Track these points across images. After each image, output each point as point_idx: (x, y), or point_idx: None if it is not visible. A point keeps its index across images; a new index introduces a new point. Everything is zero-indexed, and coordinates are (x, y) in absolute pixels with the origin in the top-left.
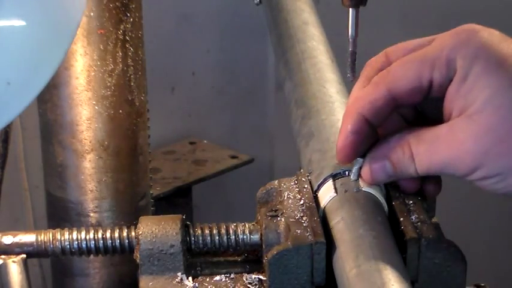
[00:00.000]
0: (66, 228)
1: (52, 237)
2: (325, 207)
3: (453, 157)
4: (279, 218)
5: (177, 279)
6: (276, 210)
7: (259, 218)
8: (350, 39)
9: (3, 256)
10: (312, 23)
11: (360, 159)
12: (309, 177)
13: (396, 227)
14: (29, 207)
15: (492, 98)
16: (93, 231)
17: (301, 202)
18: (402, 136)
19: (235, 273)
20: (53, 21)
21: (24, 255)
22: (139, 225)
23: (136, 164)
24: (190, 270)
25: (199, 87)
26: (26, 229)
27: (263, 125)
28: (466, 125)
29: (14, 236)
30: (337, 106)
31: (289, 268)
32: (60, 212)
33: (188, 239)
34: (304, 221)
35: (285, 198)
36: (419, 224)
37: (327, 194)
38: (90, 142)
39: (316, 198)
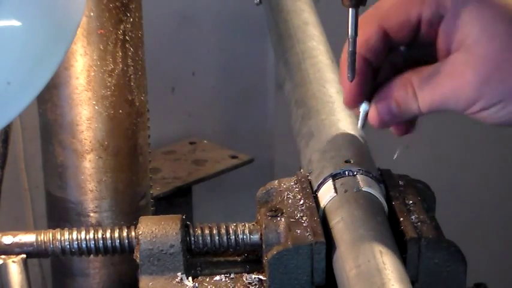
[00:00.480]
0: (66, 228)
1: (52, 237)
2: (325, 207)
3: (454, 89)
4: (279, 218)
5: (177, 279)
6: (276, 210)
7: (259, 218)
8: (350, 39)
9: (3, 256)
10: (312, 23)
11: (364, 105)
12: (309, 177)
13: (396, 227)
14: (29, 207)
15: (486, 28)
16: (93, 231)
17: (301, 202)
18: (404, 76)
19: (235, 273)
20: (53, 21)
21: (24, 255)
22: (139, 225)
23: (136, 164)
24: (190, 270)
25: (199, 87)
26: (26, 229)
27: (263, 125)
28: (465, 57)
29: (14, 236)
30: (337, 106)
31: (289, 268)
32: (60, 212)
33: (188, 239)
34: (304, 221)
35: (285, 198)
36: (419, 224)
37: (327, 194)
38: (90, 142)
39: (316, 198)
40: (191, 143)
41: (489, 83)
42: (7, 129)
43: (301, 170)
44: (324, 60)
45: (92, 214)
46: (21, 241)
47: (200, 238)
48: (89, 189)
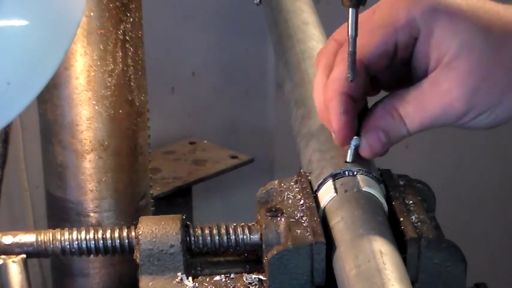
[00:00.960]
0: (66, 228)
1: (52, 237)
2: (325, 207)
3: (444, 107)
4: (279, 218)
5: (177, 279)
6: (276, 210)
7: (259, 218)
8: (350, 39)
9: (3, 256)
10: (312, 23)
11: (354, 140)
12: (309, 177)
13: (396, 227)
14: (29, 207)
15: (464, 43)
16: (93, 231)
17: (301, 202)
18: (386, 103)
19: (235, 273)
20: (53, 21)
21: (24, 255)
22: (139, 225)
23: (136, 164)
24: (190, 270)
25: (199, 87)
26: (26, 229)
27: (263, 125)
28: (447, 74)
29: (14, 236)
30: None
31: (289, 268)
32: (60, 212)
33: (188, 239)
34: (304, 221)
35: (285, 198)
36: (419, 224)
37: (327, 194)
38: (90, 142)
39: (316, 198)
40: (191, 143)
41: (477, 95)
42: (7, 129)
43: (301, 170)
44: None
45: (92, 214)
46: (21, 241)
47: (200, 238)
48: (89, 189)
